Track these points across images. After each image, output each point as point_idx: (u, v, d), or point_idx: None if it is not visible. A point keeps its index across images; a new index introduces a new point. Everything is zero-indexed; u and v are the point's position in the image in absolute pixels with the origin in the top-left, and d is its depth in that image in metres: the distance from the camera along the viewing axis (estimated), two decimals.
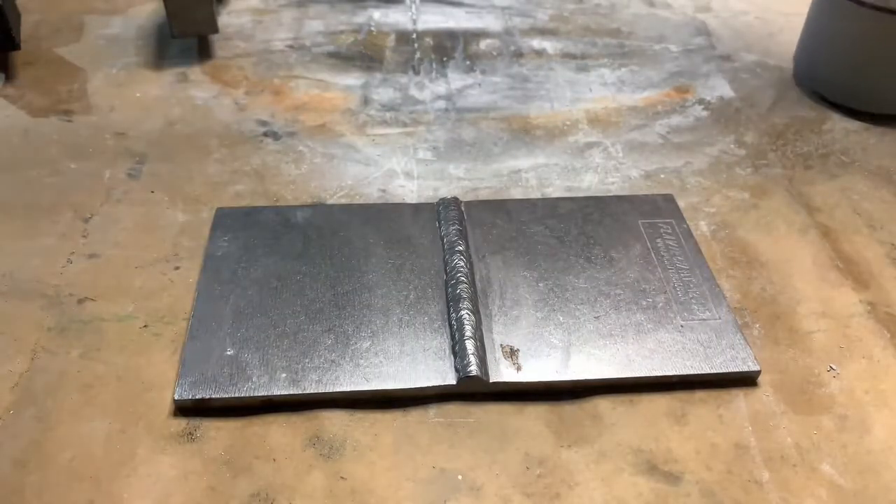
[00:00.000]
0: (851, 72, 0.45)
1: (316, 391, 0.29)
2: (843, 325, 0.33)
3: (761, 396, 0.30)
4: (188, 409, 0.28)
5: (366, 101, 0.46)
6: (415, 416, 0.29)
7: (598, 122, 0.45)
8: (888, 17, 0.42)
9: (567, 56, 0.52)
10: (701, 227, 0.38)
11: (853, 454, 0.28)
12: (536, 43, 0.53)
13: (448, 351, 0.30)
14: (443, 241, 0.35)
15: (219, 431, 0.28)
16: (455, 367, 0.29)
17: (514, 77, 0.49)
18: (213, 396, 0.28)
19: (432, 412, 0.29)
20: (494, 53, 0.52)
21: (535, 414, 0.29)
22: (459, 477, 0.27)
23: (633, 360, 0.30)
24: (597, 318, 0.32)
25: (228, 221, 0.36)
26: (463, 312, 0.31)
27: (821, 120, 0.46)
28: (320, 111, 0.45)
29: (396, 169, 0.41)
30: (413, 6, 0.57)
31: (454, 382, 0.29)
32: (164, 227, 0.36)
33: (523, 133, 0.44)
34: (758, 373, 0.30)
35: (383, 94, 0.47)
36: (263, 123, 0.44)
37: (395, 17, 0.56)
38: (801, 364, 0.31)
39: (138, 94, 0.46)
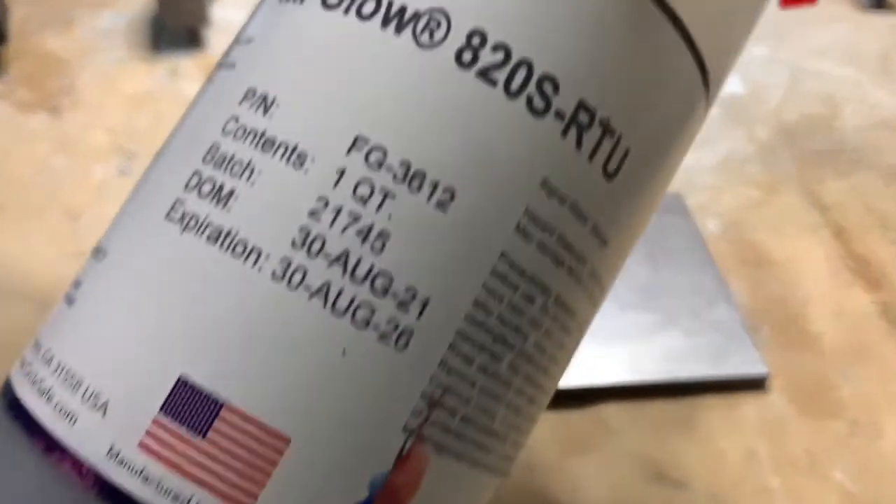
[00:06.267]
0: None
1: None
2: (855, 326, 0.32)
3: (771, 401, 0.29)
4: None
5: None
6: None
7: None
8: None
9: None
10: (709, 226, 0.37)
11: (865, 459, 0.27)
12: None
13: None
14: None
15: None
16: None
17: None
18: None
19: None
20: None
21: (539, 419, 0.28)
22: None
23: (639, 364, 0.29)
24: (600, 320, 0.31)
25: None
26: None
27: (832, 118, 0.45)
28: None
29: None
30: None
31: None
32: None
33: None
34: (767, 376, 0.29)
35: None
36: None
37: None
38: (812, 367, 0.30)
39: (129, 89, 0.45)
